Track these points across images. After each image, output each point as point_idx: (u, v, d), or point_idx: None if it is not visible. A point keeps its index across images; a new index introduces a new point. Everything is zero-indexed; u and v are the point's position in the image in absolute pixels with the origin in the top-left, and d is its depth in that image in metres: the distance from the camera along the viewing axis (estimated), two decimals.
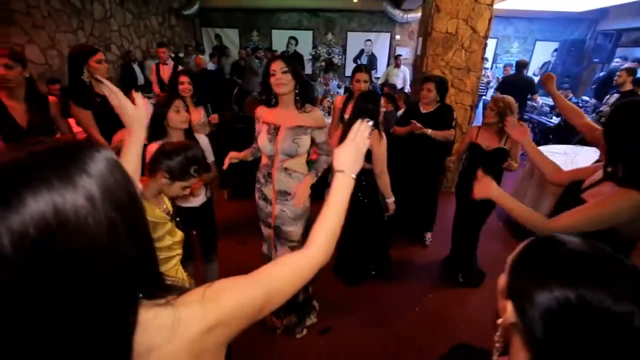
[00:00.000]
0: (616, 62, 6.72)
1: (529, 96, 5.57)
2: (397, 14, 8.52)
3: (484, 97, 7.01)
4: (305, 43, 9.36)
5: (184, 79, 2.51)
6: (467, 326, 2.34)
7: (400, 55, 7.15)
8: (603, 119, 4.41)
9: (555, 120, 5.70)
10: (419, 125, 2.73)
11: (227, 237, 3.12)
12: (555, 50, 8.84)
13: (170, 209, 1.48)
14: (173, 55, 6.55)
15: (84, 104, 2.16)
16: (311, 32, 9.76)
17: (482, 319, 2.33)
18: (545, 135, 5.69)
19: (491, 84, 7.60)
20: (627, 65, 5.20)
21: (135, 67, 6.40)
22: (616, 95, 4.47)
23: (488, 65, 8.00)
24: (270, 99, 1.89)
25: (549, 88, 1.75)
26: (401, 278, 2.82)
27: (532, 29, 9.36)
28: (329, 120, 3.26)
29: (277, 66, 1.74)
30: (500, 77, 7.14)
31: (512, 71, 6.64)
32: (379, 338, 2.25)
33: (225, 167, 1.90)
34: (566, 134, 4.90)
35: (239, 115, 4.85)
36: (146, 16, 7.45)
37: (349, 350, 2.15)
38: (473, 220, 2.63)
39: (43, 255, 0.39)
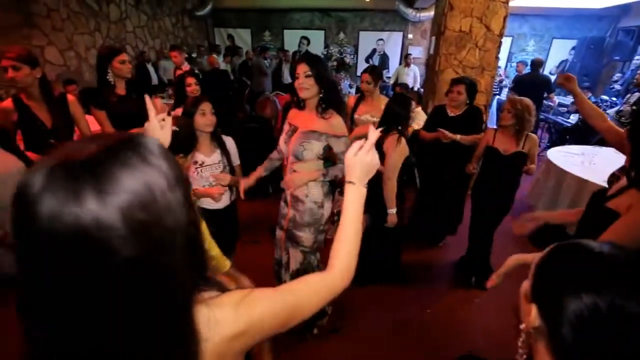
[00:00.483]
0: (637, 60, 6.52)
1: (545, 95, 5.45)
2: (410, 12, 8.42)
3: (497, 97, 6.89)
4: (317, 43, 9.36)
5: (190, 80, 2.53)
6: (479, 330, 2.31)
7: (410, 54, 7.06)
8: (623, 118, 4.28)
9: (572, 119, 5.56)
10: (448, 134, 2.65)
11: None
12: (573, 48, 8.59)
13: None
14: (186, 56, 6.62)
15: (99, 105, 2.23)
16: (323, 31, 9.77)
17: (495, 324, 2.29)
18: (562, 136, 5.52)
19: (504, 82, 7.47)
20: None
21: (150, 67, 6.52)
22: (637, 94, 4.33)
23: (501, 63, 7.87)
24: (299, 102, 1.85)
25: (572, 88, 1.68)
26: (413, 279, 2.79)
27: (549, 27, 9.14)
28: None
29: (301, 69, 1.69)
30: (510, 75, 6.97)
31: (525, 68, 6.50)
32: (389, 340, 2.23)
33: (242, 196, 1.92)
34: (585, 133, 4.77)
35: (251, 115, 4.90)
36: (160, 17, 7.58)
37: (357, 352, 2.14)
38: (488, 224, 2.58)
39: (144, 226, 0.42)
